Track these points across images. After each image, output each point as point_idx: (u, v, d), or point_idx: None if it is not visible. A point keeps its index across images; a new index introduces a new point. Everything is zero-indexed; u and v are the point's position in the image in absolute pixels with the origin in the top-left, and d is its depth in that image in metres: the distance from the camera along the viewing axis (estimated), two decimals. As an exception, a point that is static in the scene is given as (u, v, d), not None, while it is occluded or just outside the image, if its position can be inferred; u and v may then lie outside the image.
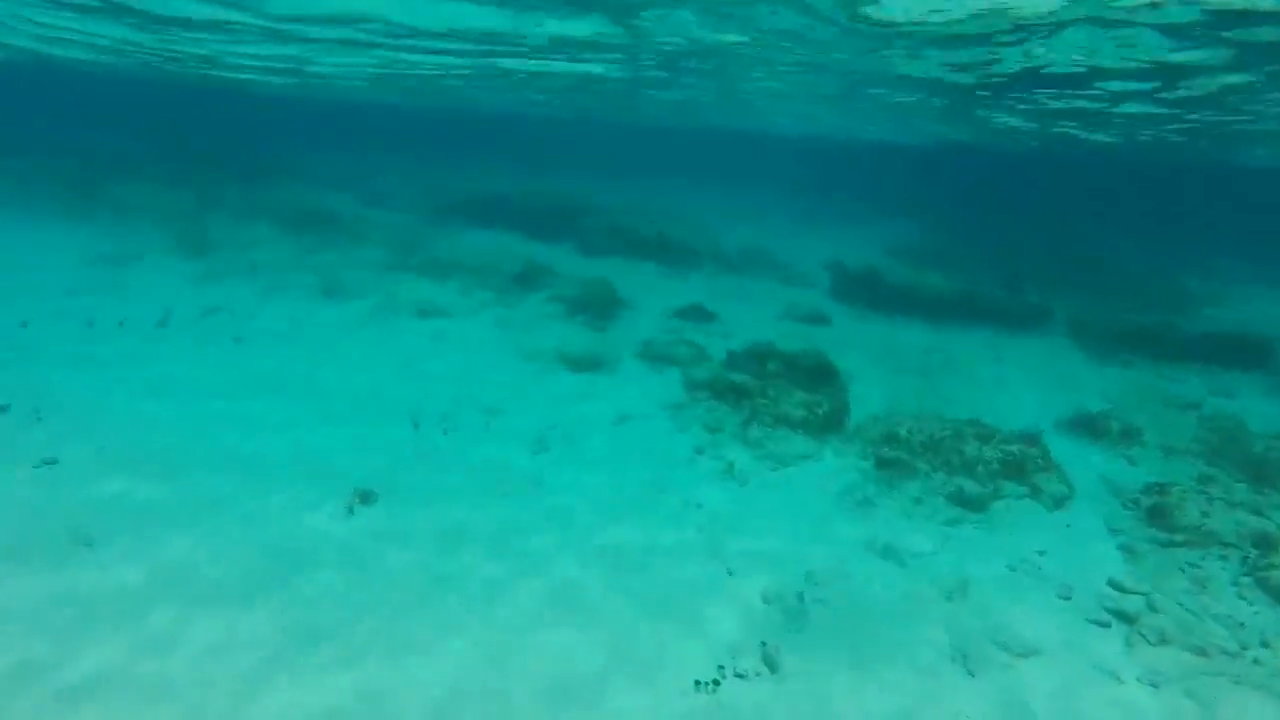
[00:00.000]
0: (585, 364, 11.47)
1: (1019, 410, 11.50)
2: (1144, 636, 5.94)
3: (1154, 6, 8.96)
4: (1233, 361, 14.88)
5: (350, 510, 7.17)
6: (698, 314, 15.93)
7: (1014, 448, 8.90)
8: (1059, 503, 8.40)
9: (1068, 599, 6.62)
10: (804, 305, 17.53)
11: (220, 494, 7.13)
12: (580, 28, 12.80)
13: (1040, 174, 48.14)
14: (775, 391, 10.47)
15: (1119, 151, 30.78)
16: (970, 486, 8.36)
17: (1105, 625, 6.17)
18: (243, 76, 26.65)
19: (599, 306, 14.77)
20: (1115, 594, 6.60)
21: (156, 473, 7.37)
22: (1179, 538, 7.33)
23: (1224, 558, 6.94)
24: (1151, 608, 6.24)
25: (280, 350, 10.90)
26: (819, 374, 11.41)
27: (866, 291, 18.39)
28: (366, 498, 7.38)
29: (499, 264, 16.83)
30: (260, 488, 7.30)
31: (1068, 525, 7.98)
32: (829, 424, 9.81)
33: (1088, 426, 10.56)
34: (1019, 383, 12.92)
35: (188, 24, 14.62)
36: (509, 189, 27.09)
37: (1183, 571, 6.82)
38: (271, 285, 13.68)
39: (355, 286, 14.09)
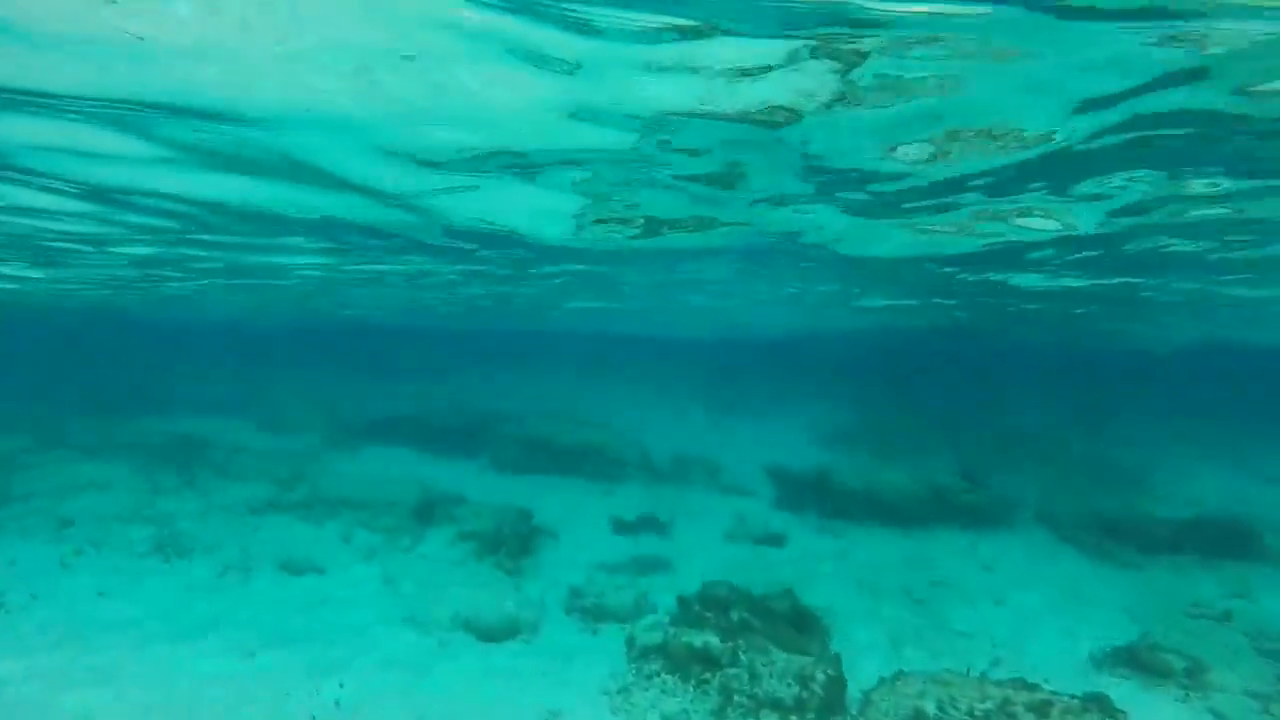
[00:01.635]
0: (499, 631, 8.73)
1: (1045, 642, 9.33)
2: None
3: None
4: (1225, 552, 13.43)
5: None
6: (633, 542, 13.52)
7: (1085, 721, 6.60)
8: (1169, 805, 6.02)
9: None
10: (752, 520, 15.40)
11: None
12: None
13: (962, 352, 49.90)
14: (749, 655, 7.97)
15: (1025, 336, 31.81)
16: (1050, 795, 5.91)
17: None
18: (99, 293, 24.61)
19: (515, 543, 12.18)
20: None
21: None
22: None
23: None
24: None
25: (56, 661, 7.73)
26: (797, 622, 9.03)
27: (816, 498, 16.51)
28: None
29: (396, 494, 14.18)
30: None
31: None
32: (830, 703, 7.29)
33: (1141, 664, 8.41)
34: (1026, 600, 10.84)
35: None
36: (417, 405, 24.97)
37: None
38: (83, 547, 10.54)
39: (205, 539, 11.11)
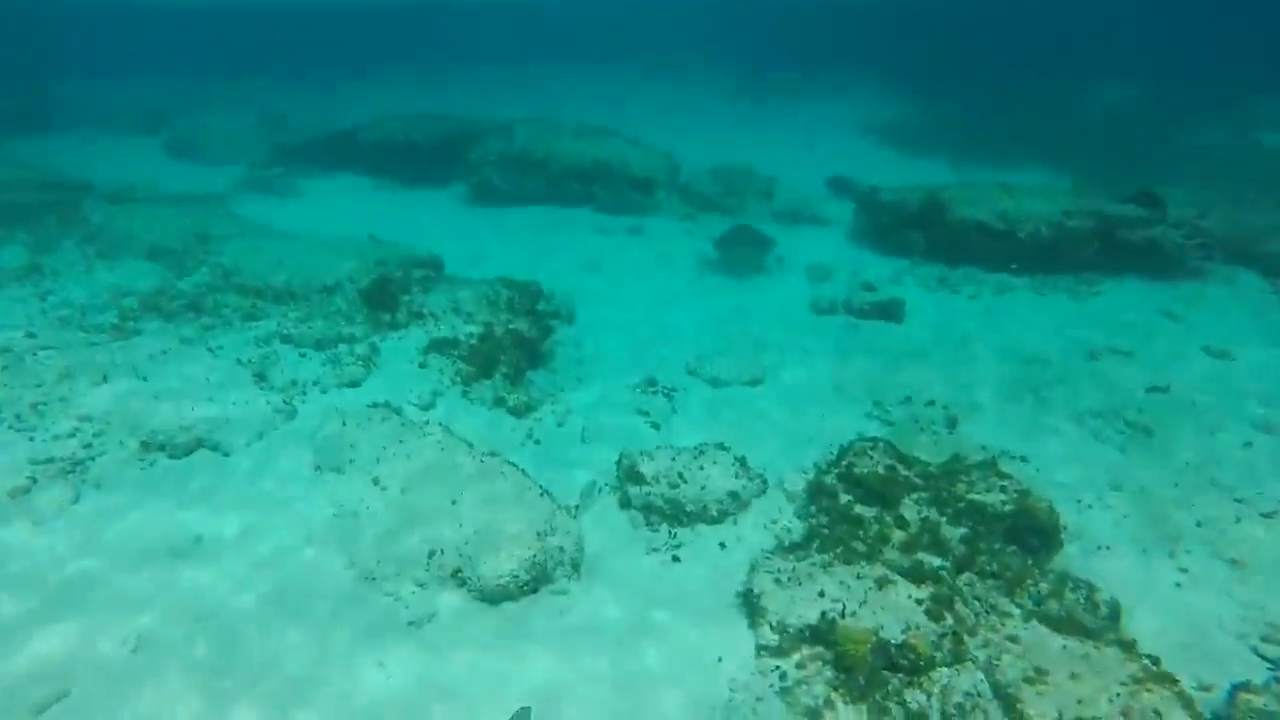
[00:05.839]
0: (513, 585, 4.96)
1: None
2: None
3: None
4: None
5: None
6: (688, 327, 9.38)
7: None
8: None
9: None
10: (840, 270, 11.25)
11: None
12: None
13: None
14: (986, 634, 4.34)
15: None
16: None
17: None
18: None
19: (517, 352, 8.09)
20: None
21: None
22: None
23: None
24: None
25: None
26: (1024, 531, 5.23)
27: (919, 230, 12.06)
28: None
29: (339, 268, 9.78)
30: None
31: None
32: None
33: None
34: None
35: None
36: (375, 115, 19.15)
37: None
38: None
39: (21, 396, 6.86)
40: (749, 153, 18.38)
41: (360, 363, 7.71)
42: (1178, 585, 5.12)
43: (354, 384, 7.47)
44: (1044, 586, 4.78)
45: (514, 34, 45.99)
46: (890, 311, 9.66)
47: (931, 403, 7.46)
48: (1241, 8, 37.77)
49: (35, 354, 7.29)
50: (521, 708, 3.90)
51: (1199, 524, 5.66)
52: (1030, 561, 5.03)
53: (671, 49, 40.71)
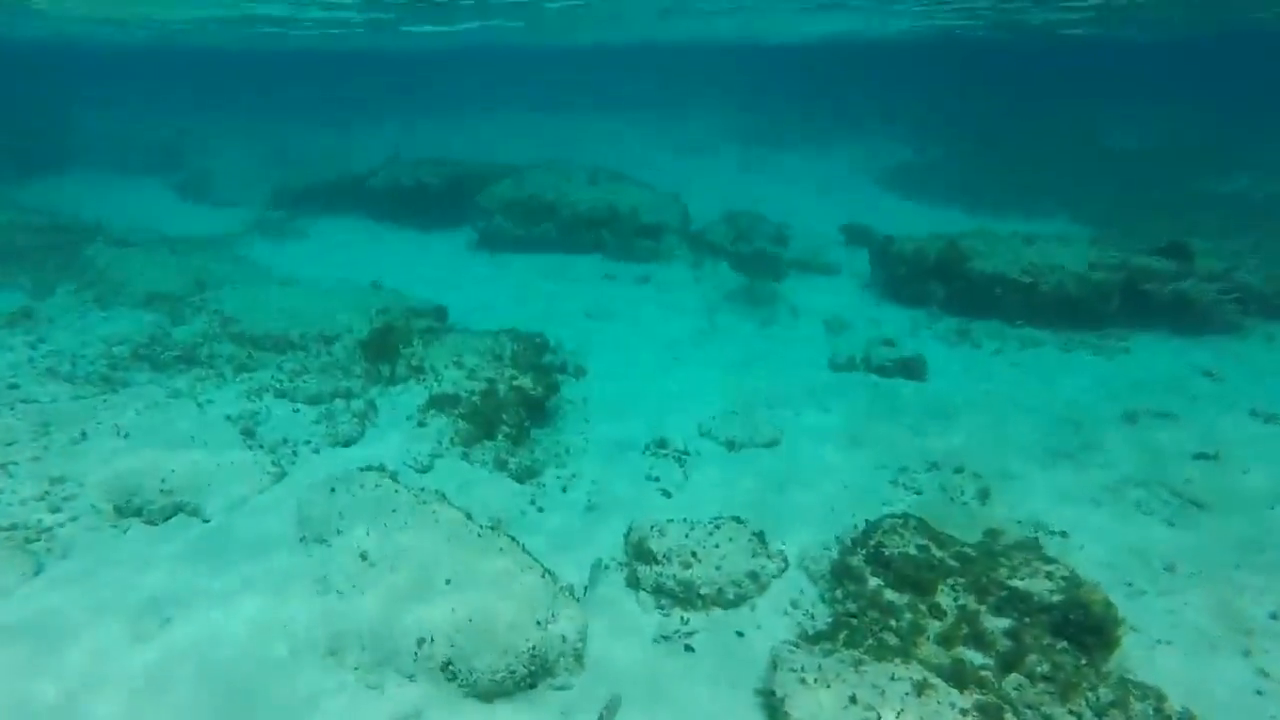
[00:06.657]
0: (505, 682, 4.48)
1: None
2: None
3: None
4: None
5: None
6: (698, 382, 8.95)
7: None
8: None
9: None
10: (857, 325, 10.85)
11: None
12: None
13: (1037, 59, 41.56)
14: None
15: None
16: None
17: None
18: None
19: (521, 410, 7.68)
20: None
21: None
22: None
23: None
24: None
25: None
26: (1078, 628, 4.71)
27: (937, 281, 11.71)
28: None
29: (340, 316, 9.49)
30: None
31: None
32: None
33: None
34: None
35: None
36: (387, 158, 19.15)
37: None
38: None
39: None
40: (761, 198, 18.22)
41: (356, 420, 7.32)
42: (1259, 693, 4.57)
43: (348, 443, 7.07)
44: (1104, 693, 4.27)
45: (534, 81, 46.66)
46: (912, 368, 9.23)
47: (960, 469, 6.98)
48: (1252, 59, 37.94)
49: (14, 407, 6.93)
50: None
51: (1273, 616, 5.13)
52: (1084, 661, 4.51)
53: (684, 94, 41.15)
